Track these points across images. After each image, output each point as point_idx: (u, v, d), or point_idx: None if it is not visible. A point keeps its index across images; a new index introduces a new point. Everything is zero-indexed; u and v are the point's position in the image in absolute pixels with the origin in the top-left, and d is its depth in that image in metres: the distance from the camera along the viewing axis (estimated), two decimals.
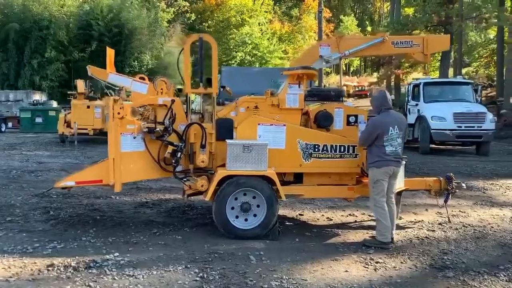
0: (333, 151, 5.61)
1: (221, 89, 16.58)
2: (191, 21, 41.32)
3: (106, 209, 6.45)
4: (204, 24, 44.24)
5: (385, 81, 37.42)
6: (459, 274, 4.42)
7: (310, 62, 5.75)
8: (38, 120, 21.26)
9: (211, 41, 5.82)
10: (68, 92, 16.76)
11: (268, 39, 41.63)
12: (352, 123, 5.88)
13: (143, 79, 5.85)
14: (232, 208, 5.22)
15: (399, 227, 5.94)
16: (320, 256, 4.81)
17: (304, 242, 5.26)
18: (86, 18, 28.93)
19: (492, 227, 6.20)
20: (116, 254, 4.55)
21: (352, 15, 56.62)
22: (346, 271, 4.43)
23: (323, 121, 5.76)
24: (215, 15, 44.26)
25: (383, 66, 35.61)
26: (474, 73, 36.23)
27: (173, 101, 5.50)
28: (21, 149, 14.23)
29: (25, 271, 4.07)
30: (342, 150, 5.62)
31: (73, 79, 28.50)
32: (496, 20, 22.34)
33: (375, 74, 53.15)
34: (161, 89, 5.53)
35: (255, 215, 5.27)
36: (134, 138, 5.13)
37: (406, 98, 16.16)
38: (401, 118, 5.49)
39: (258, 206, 5.26)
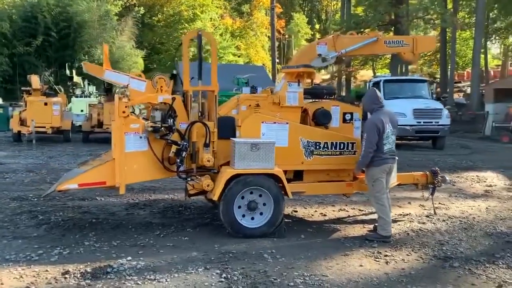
0: (333, 148, 5.72)
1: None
2: (140, 15, 40.24)
3: (97, 211, 6.20)
4: (154, 18, 43.27)
5: (337, 78, 38.39)
6: (463, 264, 4.66)
7: (308, 60, 5.80)
8: None
9: (209, 37, 5.73)
10: (22, 88, 15.85)
11: (221, 34, 41.41)
12: (348, 121, 6.02)
13: (140, 76, 5.65)
14: (239, 207, 5.19)
15: (397, 221, 6.17)
16: (330, 252, 4.90)
17: (309, 239, 5.33)
18: (31, 10, 27.42)
19: (474, 217, 6.57)
20: (129, 258, 4.40)
21: (302, 12, 57.47)
22: (361, 265, 4.54)
23: (322, 119, 5.85)
24: (165, 9, 43.41)
25: (335, 64, 36.49)
26: (419, 71, 37.94)
27: (173, 99, 5.37)
28: None
29: (40, 280, 3.85)
30: (341, 147, 5.75)
31: (18, 74, 27.06)
32: (441, 22, 23.47)
33: (323, 71, 54.33)
34: (161, 86, 5.38)
35: (261, 214, 5.28)
36: (140, 137, 4.97)
37: None
38: (393, 115, 5.65)
39: (264, 204, 5.26)
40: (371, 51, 6.33)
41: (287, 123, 5.56)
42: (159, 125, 5.09)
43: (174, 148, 5.18)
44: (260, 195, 5.25)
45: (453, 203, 7.54)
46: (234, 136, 5.50)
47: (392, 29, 28.08)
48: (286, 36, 56.12)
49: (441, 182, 6.56)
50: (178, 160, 5.15)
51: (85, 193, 7.07)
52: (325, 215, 6.50)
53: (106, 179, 4.87)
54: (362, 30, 26.29)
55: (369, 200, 5.57)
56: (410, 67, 33.33)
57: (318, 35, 62.77)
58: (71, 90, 20.93)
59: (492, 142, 19.37)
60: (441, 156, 13.71)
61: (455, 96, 30.90)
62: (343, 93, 35.73)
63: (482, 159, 13.24)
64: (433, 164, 11.96)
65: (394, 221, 6.22)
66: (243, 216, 5.22)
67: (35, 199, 6.78)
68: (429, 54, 37.81)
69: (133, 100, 5.36)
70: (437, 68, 37.64)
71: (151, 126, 5.06)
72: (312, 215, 6.51)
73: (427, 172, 6.57)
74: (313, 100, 6.28)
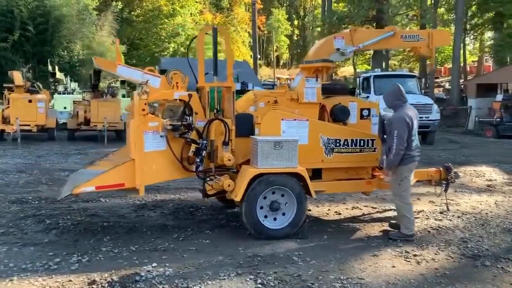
0: (353, 146, 5.58)
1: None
2: (118, 9, 39.35)
3: (105, 214, 5.91)
4: (132, 13, 42.41)
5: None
6: (494, 262, 4.58)
7: (326, 54, 5.64)
8: None
9: (224, 33, 5.49)
10: (4, 85, 15.20)
11: (201, 30, 40.89)
12: (365, 117, 5.89)
13: (152, 71, 5.37)
14: (261, 207, 5.00)
15: None
16: (358, 252, 4.76)
17: (333, 239, 5.17)
18: (7, 4, 26.39)
19: (487, 213, 6.54)
20: (154, 264, 4.16)
21: (281, 8, 57.35)
22: (393, 266, 4.42)
23: (341, 115, 5.70)
24: (144, 4, 42.59)
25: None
26: (398, 66, 38.29)
27: (190, 95, 5.12)
28: None
29: None
30: (362, 144, 5.61)
31: None
32: (423, 18, 23.69)
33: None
34: (176, 82, 5.13)
35: (283, 214, 5.10)
36: (161, 136, 4.71)
37: (357, 91, 16.67)
38: (414, 110, 5.53)
39: (286, 204, 5.08)
40: (388, 45, 6.21)
41: (307, 120, 5.39)
42: (179, 123, 4.84)
43: (193, 147, 4.94)
44: (282, 195, 5.06)
45: (461, 198, 7.52)
46: (252, 134, 5.30)
47: (374, 25, 28.23)
48: (265, 32, 55.97)
49: (454, 178, 6.50)
50: (198, 160, 4.91)
51: (88, 194, 6.74)
52: (340, 213, 6.36)
53: (124, 180, 4.60)
54: (344, 25, 26.33)
55: (393, 198, 5.41)
56: (390, 62, 33.73)
57: (296, 31, 62.92)
58: (52, 87, 20.24)
59: (475, 136, 19.68)
60: (432, 151, 13.79)
61: (435, 91, 31.31)
62: None
63: (473, 154, 13.38)
64: (428, 159, 12.02)
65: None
66: (265, 217, 5.03)
67: (36, 202, 6.42)
68: (408, 49, 38.28)
69: (148, 96, 5.10)
70: (416, 64, 38.08)
71: (170, 124, 4.81)
72: (327, 213, 6.36)
73: (441, 168, 6.49)
74: (326, 96, 6.12)
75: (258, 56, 39.63)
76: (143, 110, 4.59)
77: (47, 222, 5.39)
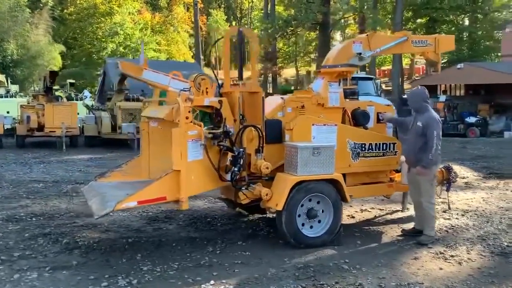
0: (377, 150, 5.63)
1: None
2: (49, 7, 37.11)
3: (119, 229, 5.50)
4: (65, 11, 40.23)
5: (262, 75, 38.73)
6: None
7: (346, 59, 5.64)
8: None
9: (250, 35, 5.32)
10: None
11: (141, 30, 39.69)
12: (382, 120, 5.97)
13: (178, 76, 5.07)
14: (299, 215, 4.89)
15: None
16: (399, 256, 4.80)
17: (365, 244, 5.18)
18: None
19: (483, 210, 6.87)
20: (212, 282, 3.94)
21: (219, 9, 57.06)
22: (441, 268, 4.50)
23: (362, 119, 5.73)
24: (78, 1, 40.52)
25: (261, 62, 36.78)
26: None
27: (220, 102, 4.89)
28: None
29: None
30: (384, 148, 5.68)
31: None
32: (372, 22, 24.69)
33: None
34: (206, 88, 4.87)
35: (319, 221, 5.02)
36: (201, 145, 4.43)
37: None
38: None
39: (322, 211, 5.02)
40: (400, 51, 6.33)
41: (335, 124, 5.36)
42: (219, 131, 4.60)
43: (230, 155, 4.72)
44: (318, 202, 4.99)
45: (449, 197, 7.83)
46: (281, 140, 5.18)
47: (318, 28, 28.95)
48: (204, 32, 55.40)
49: (455, 178, 6.77)
50: (236, 169, 4.69)
51: (87, 208, 6.23)
52: (353, 217, 6.40)
53: (166, 193, 4.28)
54: (292, 28, 26.76)
55: (423, 199, 5.35)
56: None
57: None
58: None
59: None
60: None
61: None
62: (270, 90, 36.10)
63: None
64: None
65: None
66: (303, 225, 4.93)
67: (33, 219, 5.84)
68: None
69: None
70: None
71: (210, 133, 4.55)
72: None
73: (443, 169, 6.74)
74: None
75: (202, 57, 39.10)
76: (187, 118, 4.30)
77: (64, 242, 4.91)
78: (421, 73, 41.80)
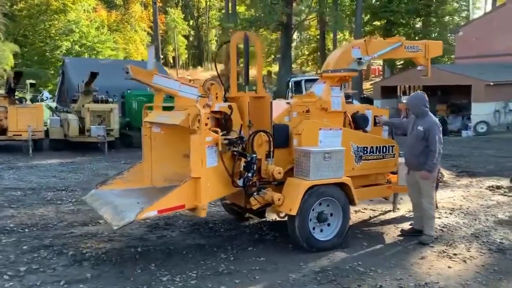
0: (378, 152, 5.76)
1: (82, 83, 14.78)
2: None
3: (122, 238, 5.32)
4: (15, 7, 38.35)
5: (223, 75, 38.63)
6: None
7: (346, 64, 5.74)
8: None
9: (255, 39, 5.29)
10: None
11: (97, 28, 38.48)
12: (378, 123, 6.12)
13: (190, 81, 4.97)
14: (310, 219, 4.93)
15: (409, 219, 6.44)
16: (407, 257, 4.94)
17: (371, 246, 5.29)
18: None
19: (467, 207, 7.18)
20: None
21: (177, 8, 56.25)
22: (449, 267, 4.68)
23: (362, 123, 5.85)
24: None
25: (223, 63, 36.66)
26: (299, 69, 40.12)
27: (231, 107, 4.84)
28: None
29: None
30: (384, 151, 5.82)
31: None
32: (334, 23, 25.21)
33: (200, 68, 54.25)
34: (216, 93, 4.81)
35: (328, 225, 5.08)
36: (215, 151, 4.37)
37: (287, 93, 17.11)
38: None
39: (331, 214, 5.08)
40: (394, 55, 6.50)
41: (340, 128, 5.43)
42: (234, 137, 4.55)
43: (243, 161, 4.68)
44: (327, 205, 5.05)
45: (435, 196, 8.13)
46: (288, 145, 5.20)
47: (281, 29, 29.20)
48: (162, 31, 54.51)
49: (442, 178, 7.05)
50: (250, 174, 4.66)
51: (79, 217, 6.02)
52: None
53: (185, 201, 4.21)
54: (256, 29, 26.84)
55: (423, 200, 5.52)
56: (294, 65, 35.18)
57: (192, 32, 62.33)
58: None
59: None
60: None
61: None
62: None
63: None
64: None
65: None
66: (313, 229, 4.98)
67: (26, 230, 5.56)
68: (307, 53, 40.33)
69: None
70: (314, 67, 40.18)
71: (226, 139, 4.50)
72: None
73: None
74: None
75: (161, 57, 38.48)
76: (206, 124, 4.23)
77: (70, 254, 4.70)
78: (377, 74, 43.16)
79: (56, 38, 37.34)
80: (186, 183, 4.21)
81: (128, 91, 16.65)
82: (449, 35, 30.34)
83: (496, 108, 20.34)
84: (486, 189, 8.59)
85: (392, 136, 6.34)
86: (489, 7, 38.77)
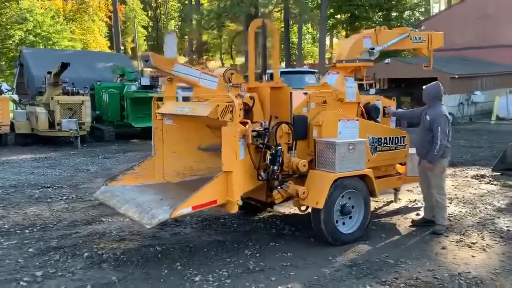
0: (391, 143, 5.73)
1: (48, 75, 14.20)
2: None
3: (134, 237, 5.03)
4: None
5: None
6: None
7: (358, 54, 5.66)
8: None
9: (273, 28, 5.10)
10: None
11: (52, 17, 36.71)
12: (387, 114, 6.09)
13: (209, 71, 4.71)
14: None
15: (413, 209, 6.50)
16: (428, 247, 4.95)
17: (390, 237, 5.25)
18: None
19: (463, 196, 7.32)
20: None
21: None
22: (473, 256, 4.71)
23: (374, 114, 5.79)
24: None
25: (187, 55, 36.03)
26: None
27: (252, 98, 4.65)
28: None
29: None
30: (396, 142, 5.79)
31: None
32: (304, 16, 25.25)
33: None
34: (239, 84, 4.59)
35: (350, 217, 5.00)
36: (242, 144, 4.15)
37: None
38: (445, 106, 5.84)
39: (353, 207, 5.00)
40: (401, 46, 6.48)
41: (357, 120, 5.35)
42: (263, 129, 4.35)
43: (268, 153, 4.50)
44: (349, 198, 4.96)
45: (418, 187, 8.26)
46: (306, 136, 5.07)
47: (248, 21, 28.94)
48: (120, 22, 52.81)
49: None
50: (276, 167, 4.48)
51: (77, 215, 5.65)
52: None
53: (216, 196, 3.99)
54: (224, 21, 26.50)
55: (433, 191, 5.54)
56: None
57: (151, 23, 60.82)
58: None
59: None
60: None
61: None
62: None
63: None
64: None
65: (418, 208, 6.53)
66: (336, 222, 4.88)
67: (25, 231, 5.15)
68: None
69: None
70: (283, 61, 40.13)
71: (254, 130, 4.29)
72: None
73: None
74: None
75: (122, 48, 37.27)
76: (239, 116, 4.01)
77: (85, 255, 4.36)
78: None
79: (8, 27, 35.36)
80: (218, 178, 3.99)
81: (98, 83, 15.98)
82: (411, 29, 31.08)
83: (460, 100, 21.04)
84: (472, 178, 8.81)
85: (401, 126, 6.34)
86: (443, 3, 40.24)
